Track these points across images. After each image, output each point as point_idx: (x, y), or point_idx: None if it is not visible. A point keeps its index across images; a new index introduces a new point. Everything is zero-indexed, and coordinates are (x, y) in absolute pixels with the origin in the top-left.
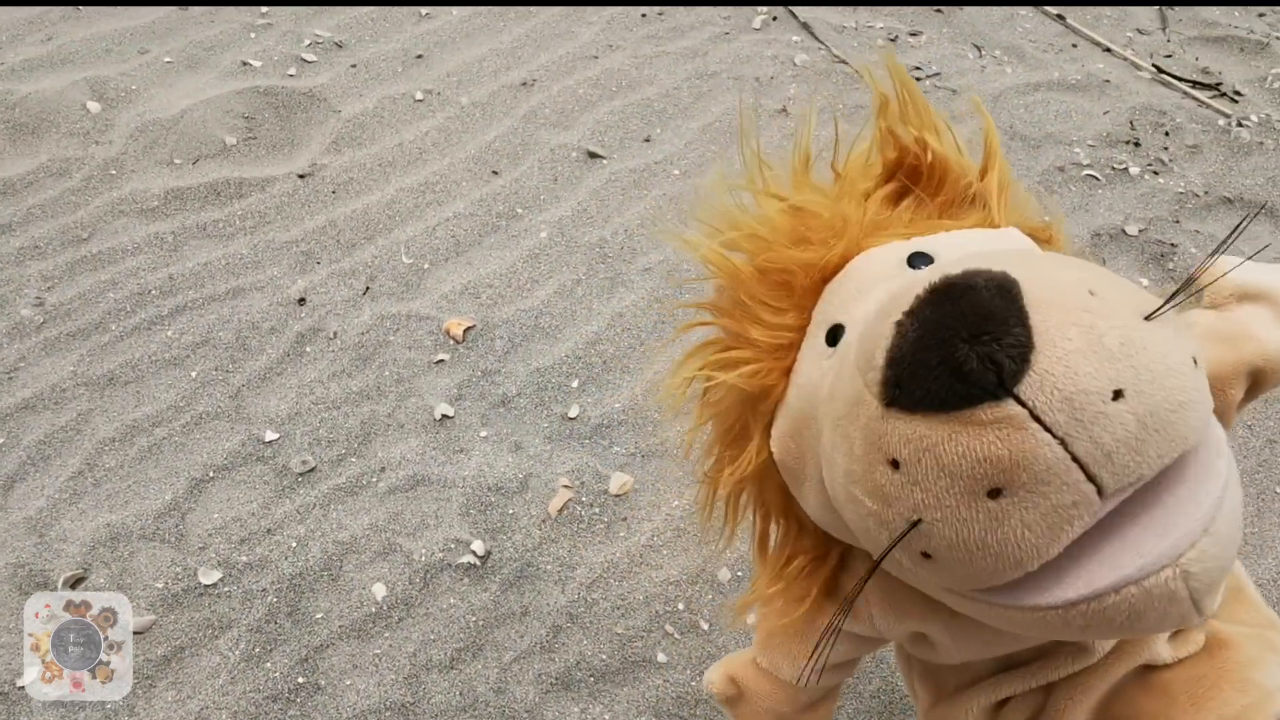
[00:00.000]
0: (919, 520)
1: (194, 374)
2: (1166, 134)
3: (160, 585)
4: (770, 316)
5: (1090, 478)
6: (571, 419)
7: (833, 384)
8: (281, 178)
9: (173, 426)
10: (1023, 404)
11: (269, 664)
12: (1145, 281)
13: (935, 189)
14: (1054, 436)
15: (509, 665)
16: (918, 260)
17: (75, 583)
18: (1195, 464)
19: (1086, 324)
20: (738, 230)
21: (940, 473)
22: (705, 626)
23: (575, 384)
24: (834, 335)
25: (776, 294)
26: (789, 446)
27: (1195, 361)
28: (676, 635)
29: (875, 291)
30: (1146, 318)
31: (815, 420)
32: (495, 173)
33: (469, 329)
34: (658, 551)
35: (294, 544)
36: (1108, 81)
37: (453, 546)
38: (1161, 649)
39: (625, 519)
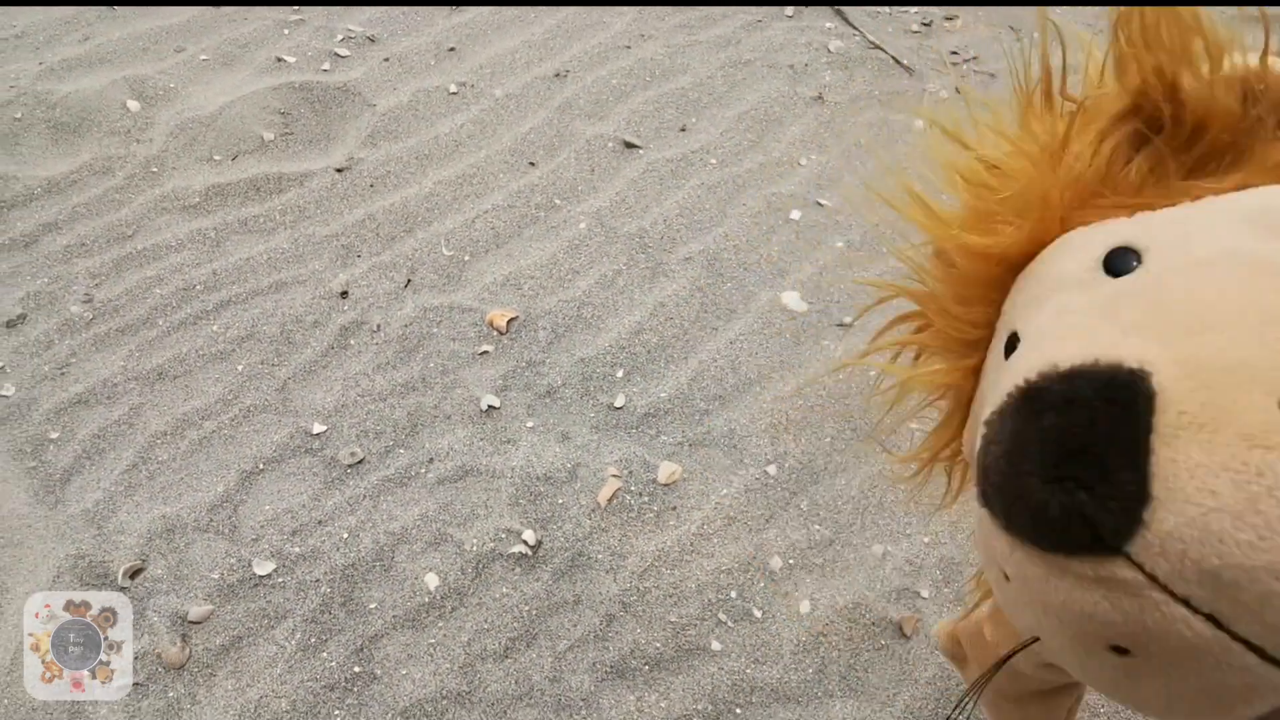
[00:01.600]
0: (1036, 639)
1: (240, 368)
2: None
3: (216, 576)
4: (957, 307)
5: (1264, 656)
6: (618, 408)
7: None
8: (319, 172)
9: (221, 419)
10: (1139, 568)
11: (325, 654)
12: None
13: (1185, 144)
14: (1194, 611)
15: (563, 654)
16: (1119, 261)
17: (134, 573)
18: None
19: (1252, 468)
20: (911, 203)
21: (1045, 611)
22: (758, 614)
23: (620, 374)
24: (1010, 346)
25: (963, 283)
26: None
27: None
28: (730, 623)
29: (1056, 298)
30: None
31: None
32: (532, 164)
33: (512, 320)
34: (708, 540)
35: (345, 535)
36: None
37: (504, 536)
38: None
39: (675, 508)
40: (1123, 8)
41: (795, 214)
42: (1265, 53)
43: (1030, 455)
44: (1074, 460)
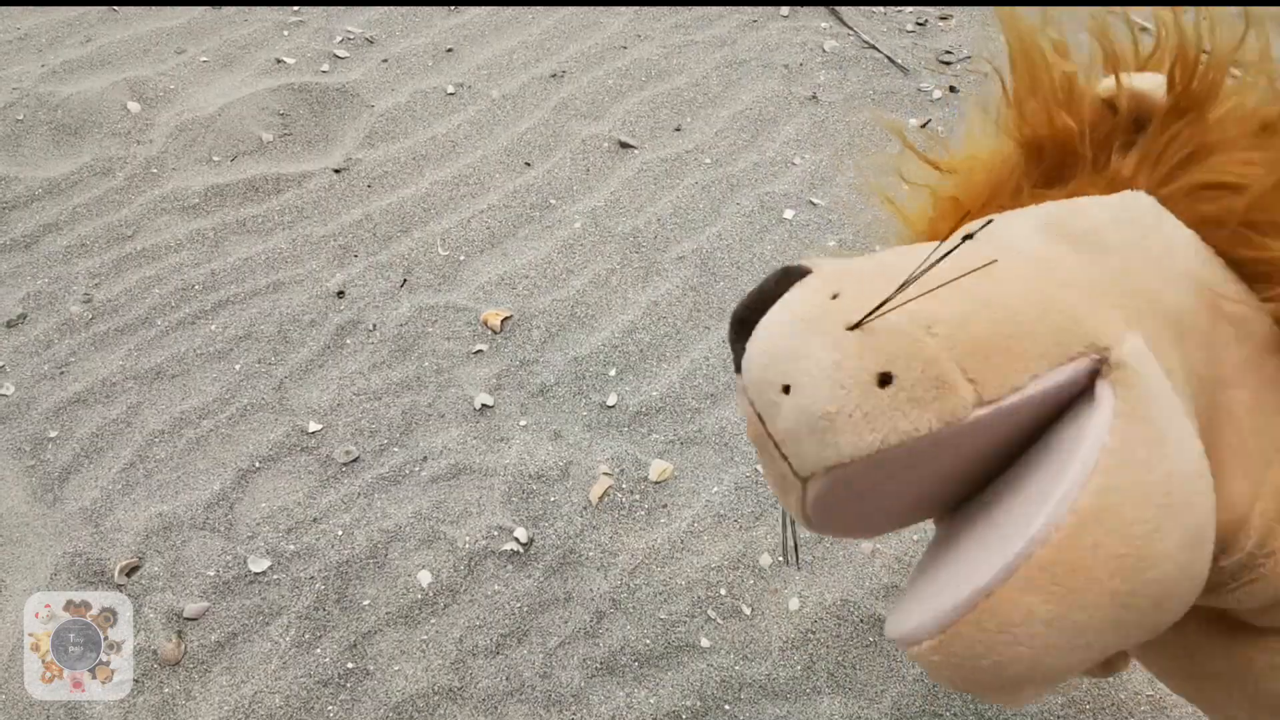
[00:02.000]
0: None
1: (238, 367)
2: None
3: (212, 573)
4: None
5: (785, 457)
6: (610, 407)
7: None
8: (317, 173)
9: (219, 418)
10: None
11: (319, 650)
12: None
13: (1035, 157)
14: (754, 411)
15: (554, 650)
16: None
17: (131, 570)
18: (1034, 481)
19: (787, 328)
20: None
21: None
22: (748, 611)
23: (613, 372)
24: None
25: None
26: None
27: (884, 380)
28: (719, 620)
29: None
30: (850, 328)
31: None
32: (528, 164)
33: (506, 319)
34: (698, 537)
35: (340, 532)
36: None
37: (496, 534)
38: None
39: (665, 505)
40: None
41: (788, 213)
42: (1118, 74)
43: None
44: (753, 300)
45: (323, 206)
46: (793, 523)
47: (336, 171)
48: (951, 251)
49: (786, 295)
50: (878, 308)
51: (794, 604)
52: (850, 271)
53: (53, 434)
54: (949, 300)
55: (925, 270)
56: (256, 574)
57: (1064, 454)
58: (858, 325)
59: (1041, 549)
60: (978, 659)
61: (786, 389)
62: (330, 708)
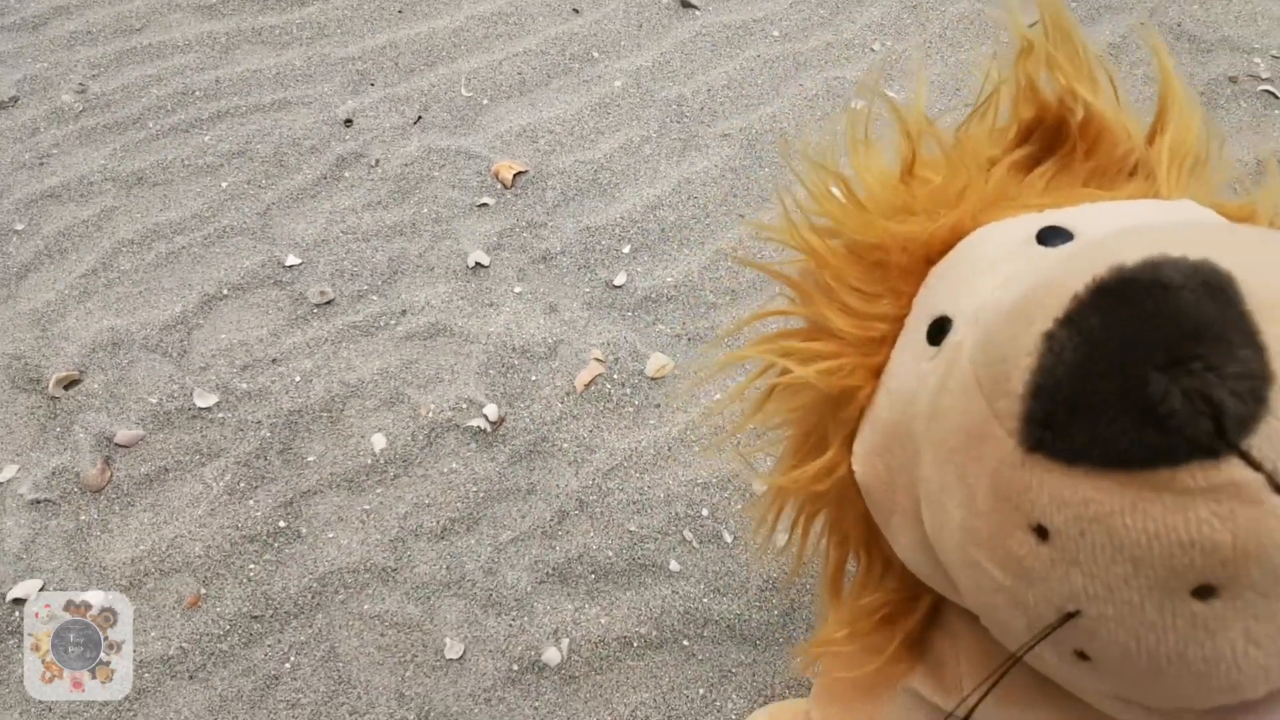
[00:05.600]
0: (1078, 612)
1: (225, 184)
2: None
3: (154, 401)
4: (859, 304)
5: None
6: (616, 287)
7: (935, 397)
8: None
9: (194, 236)
10: (1257, 466)
11: (251, 501)
12: None
13: (1087, 152)
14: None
15: (504, 545)
16: (1051, 237)
17: (69, 384)
18: None
19: None
20: (828, 201)
21: (1116, 556)
22: (729, 539)
23: (626, 249)
24: (938, 330)
25: (869, 276)
26: (875, 467)
27: None
28: (695, 543)
29: (993, 275)
30: None
31: (910, 439)
32: (576, 11)
33: (519, 174)
34: (688, 447)
35: (298, 378)
36: None
37: (464, 406)
38: None
39: (658, 405)
40: (1021, 41)
41: (857, 104)
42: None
43: (1141, 342)
44: (1194, 340)
45: (346, 26)
46: None
47: None
48: None
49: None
50: None
51: (784, 539)
52: (1268, 247)
53: (19, 226)
54: None
55: None
56: (201, 409)
57: None
58: None
59: None
60: None
61: None
62: (252, 566)
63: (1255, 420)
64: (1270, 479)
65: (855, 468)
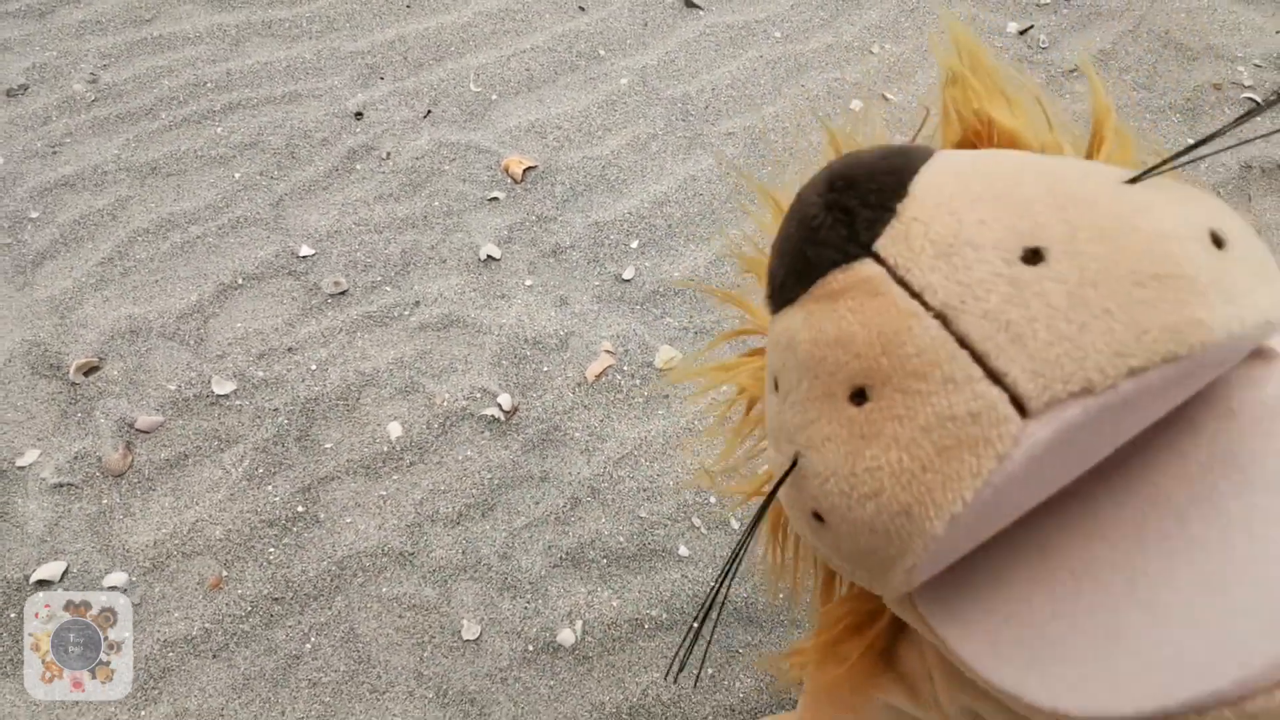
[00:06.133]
0: (797, 455)
1: (238, 175)
2: None
3: (173, 387)
4: None
5: (993, 375)
6: (625, 281)
7: None
8: None
9: (208, 226)
10: (881, 262)
11: (270, 487)
12: None
13: None
14: (925, 306)
15: (518, 531)
16: None
17: (89, 370)
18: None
19: (1000, 172)
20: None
21: (800, 374)
22: (736, 525)
23: (634, 244)
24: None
25: None
26: None
27: (1218, 240)
28: (703, 530)
29: None
30: (1130, 181)
31: None
32: (582, 8)
33: (529, 169)
34: (696, 437)
35: (313, 367)
36: None
37: (478, 396)
38: None
39: (666, 396)
40: (945, 72)
41: (856, 104)
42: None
43: (817, 187)
44: (848, 175)
45: (356, 20)
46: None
47: None
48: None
49: (962, 158)
50: (1162, 163)
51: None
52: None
53: (34, 214)
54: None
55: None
56: (219, 396)
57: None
58: (1139, 179)
59: None
60: None
61: (1034, 255)
62: (271, 550)
63: (881, 224)
64: (892, 272)
65: None
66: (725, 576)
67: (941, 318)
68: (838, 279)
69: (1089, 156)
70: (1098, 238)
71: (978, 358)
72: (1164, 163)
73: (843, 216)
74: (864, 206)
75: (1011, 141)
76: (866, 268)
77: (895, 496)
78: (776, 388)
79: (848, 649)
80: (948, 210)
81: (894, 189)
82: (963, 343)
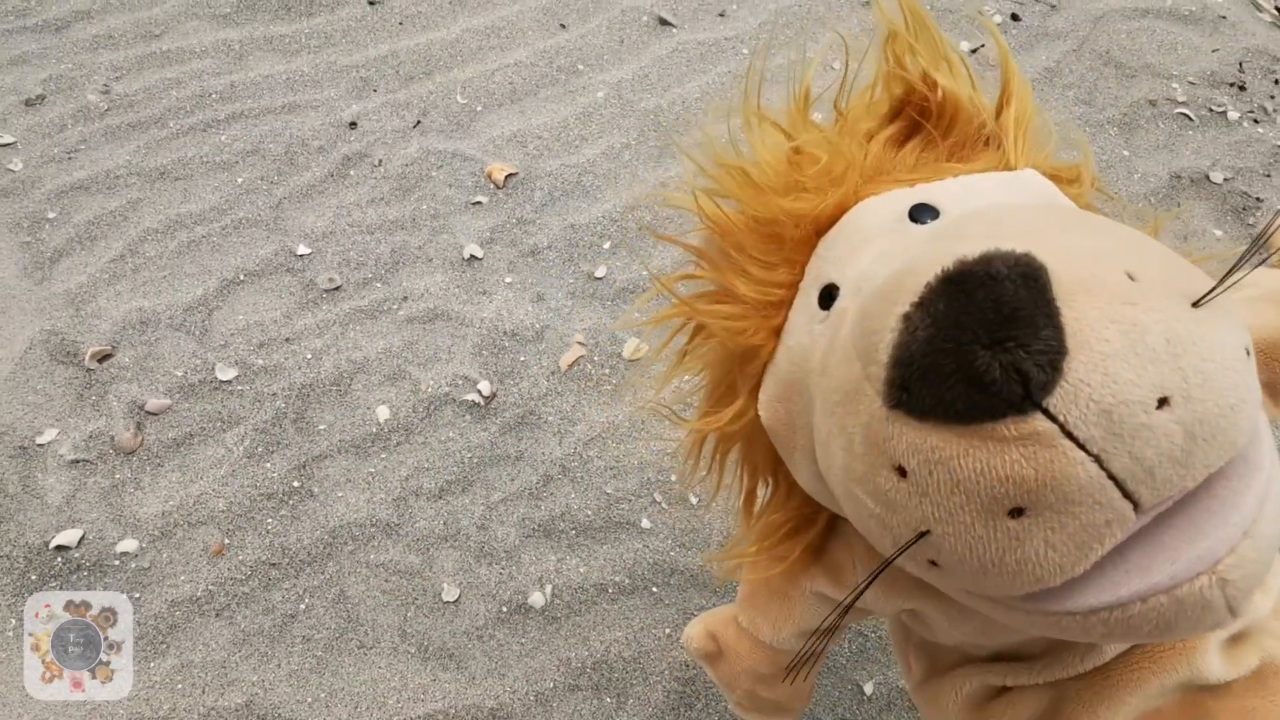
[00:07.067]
0: (927, 532)
1: (240, 180)
2: (1277, 82)
3: (180, 374)
4: (759, 271)
5: (1127, 494)
6: (597, 278)
7: (825, 356)
8: (352, 2)
9: (213, 226)
10: (1053, 418)
11: (269, 464)
12: (1220, 234)
13: (945, 130)
14: (1088, 454)
15: (495, 504)
16: (921, 213)
17: (103, 358)
18: (1236, 459)
19: (1127, 320)
20: (727, 174)
21: (954, 489)
22: (694, 501)
23: (607, 245)
24: (828, 296)
25: (766, 247)
26: (778, 412)
27: (1248, 352)
28: (664, 505)
29: (872, 247)
30: (1195, 304)
31: (806, 389)
32: (563, 26)
33: (510, 175)
34: (660, 421)
35: (309, 355)
36: (1223, 18)
37: (460, 383)
38: (1212, 664)
39: (633, 384)
40: (885, 27)
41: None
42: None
43: (970, 326)
44: (1009, 324)
45: (351, 36)
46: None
47: (371, 3)
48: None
49: (1087, 289)
50: (1226, 276)
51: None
52: (1080, 239)
53: (51, 215)
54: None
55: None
56: (222, 381)
57: None
58: (1201, 302)
59: None
60: (1262, 569)
61: (1162, 402)
62: (270, 520)
63: (1053, 385)
64: (1063, 428)
65: (761, 413)
66: (848, 602)
67: (1098, 460)
68: (1010, 428)
69: (999, 108)
70: (1202, 383)
71: (1119, 485)
72: (1222, 280)
73: (1017, 377)
74: (1039, 369)
75: (954, 106)
76: (1040, 423)
77: (1033, 573)
78: (902, 474)
79: (786, 549)
80: (1102, 371)
81: (1059, 350)
82: (1110, 476)
